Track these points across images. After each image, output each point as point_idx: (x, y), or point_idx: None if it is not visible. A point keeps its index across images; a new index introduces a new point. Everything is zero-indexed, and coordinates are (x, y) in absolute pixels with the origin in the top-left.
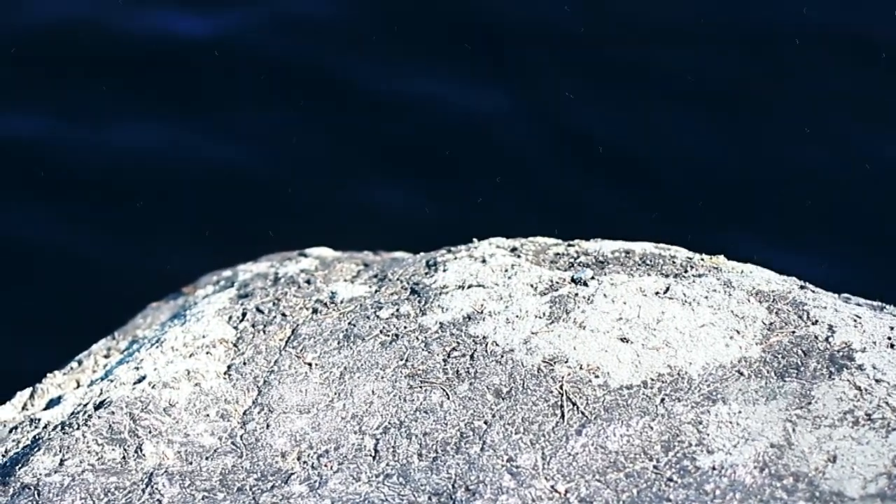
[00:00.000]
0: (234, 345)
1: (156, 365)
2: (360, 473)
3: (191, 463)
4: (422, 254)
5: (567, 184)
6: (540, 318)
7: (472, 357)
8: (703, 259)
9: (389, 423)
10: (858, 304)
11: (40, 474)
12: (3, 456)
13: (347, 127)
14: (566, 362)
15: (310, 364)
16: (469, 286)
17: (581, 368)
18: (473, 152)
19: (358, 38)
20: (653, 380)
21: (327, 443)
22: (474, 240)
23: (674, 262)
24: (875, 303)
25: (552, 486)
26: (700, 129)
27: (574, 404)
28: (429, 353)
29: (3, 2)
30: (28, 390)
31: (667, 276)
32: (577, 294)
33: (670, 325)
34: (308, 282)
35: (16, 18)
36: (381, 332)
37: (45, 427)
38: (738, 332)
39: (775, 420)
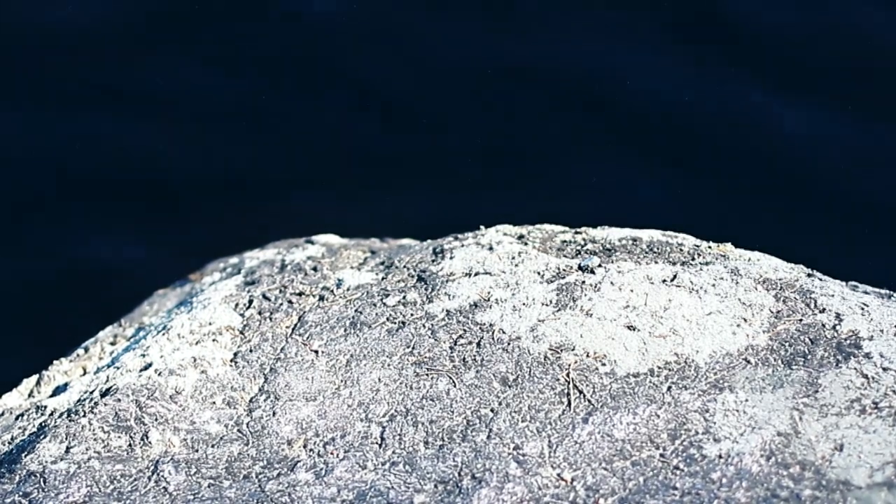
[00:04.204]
0: (241, 332)
1: (162, 352)
2: (366, 461)
3: (197, 450)
4: (428, 241)
5: (577, 169)
6: (547, 305)
7: (478, 345)
8: (710, 247)
9: (396, 410)
10: (866, 293)
11: (46, 461)
12: (10, 443)
13: (353, 114)
14: (573, 350)
15: (316, 351)
16: (476, 273)
17: (588, 356)
18: (480, 138)
19: (359, 30)
20: (659, 368)
21: (333, 430)
22: (481, 227)
23: (681, 250)
24: (883, 291)
25: (558, 475)
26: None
27: (580, 392)
28: (435, 340)
29: None
30: (34, 377)
31: (674, 263)
32: (583, 282)
33: (677, 312)
34: (315, 269)
35: None
36: (387, 319)
37: (52, 414)
38: (745, 320)
39: (782, 408)
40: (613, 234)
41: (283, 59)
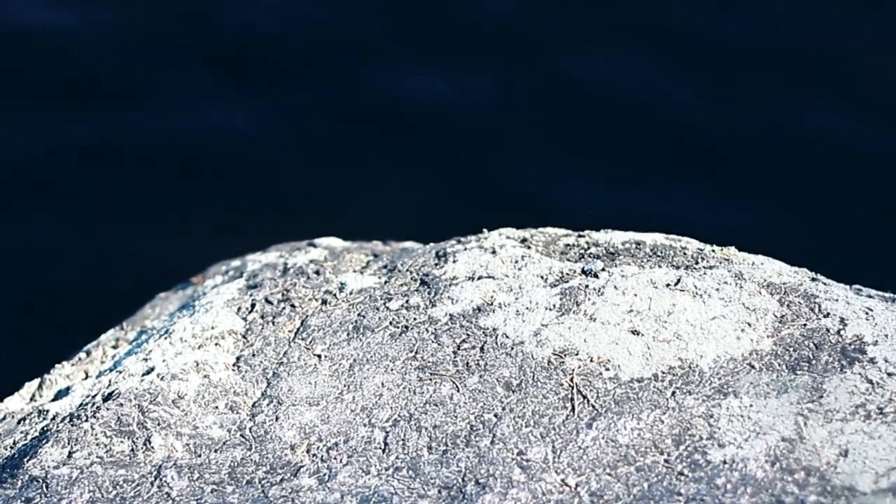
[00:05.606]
0: (243, 336)
1: (164, 356)
2: (369, 466)
3: (199, 455)
4: (431, 244)
5: (573, 174)
6: (550, 309)
7: (482, 349)
8: (714, 251)
9: (399, 415)
10: (870, 297)
11: (48, 466)
12: (12, 448)
13: (356, 116)
14: (576, 355)
15: (319, 356)
16: (479, 277)
17: (591, 361)
18: (480, 142)
19: (366, 34)
20: (664, 373)
21: (336, 435)
22: (484, 230)
23: (685, 254)
24: (887, 294)
25: (562, 480)
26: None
27: (584, 397)
28: (438, 344)
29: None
30: (36, 381)
31: (678, 267)
32: (587, 286)
33: (681, 317)
34: (317, 272)
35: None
36: (390, 323)
37: (54, 419)
38: (749, 324)
39: (787, 414)
40: (617, 237)
41: (287, 61)
